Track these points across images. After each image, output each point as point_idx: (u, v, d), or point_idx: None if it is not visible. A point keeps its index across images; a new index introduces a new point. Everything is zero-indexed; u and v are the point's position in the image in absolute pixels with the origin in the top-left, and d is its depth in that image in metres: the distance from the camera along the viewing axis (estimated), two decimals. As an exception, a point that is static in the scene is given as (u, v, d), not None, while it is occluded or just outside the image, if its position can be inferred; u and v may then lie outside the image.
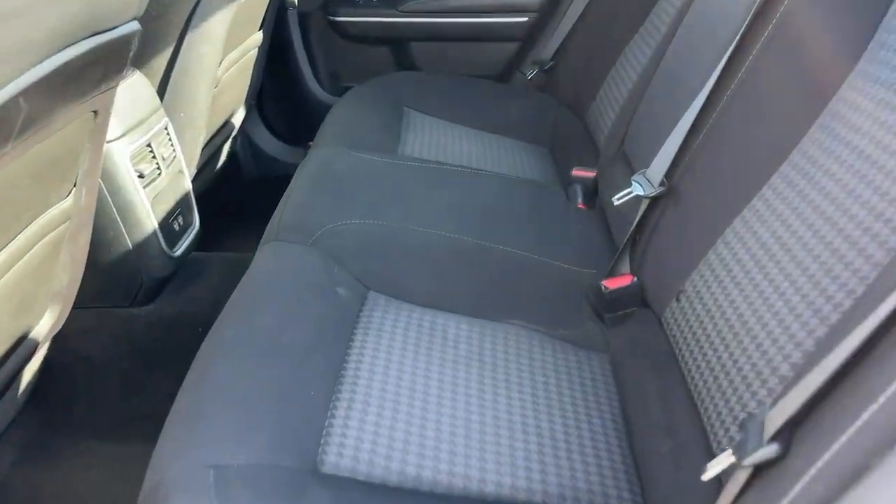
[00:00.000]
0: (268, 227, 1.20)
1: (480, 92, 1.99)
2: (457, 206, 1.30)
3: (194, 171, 1.55)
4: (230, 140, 1.93)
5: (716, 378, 0.88)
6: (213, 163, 1.86)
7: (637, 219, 1.12)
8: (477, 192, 1.37)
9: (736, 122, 1.03)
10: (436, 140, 1.71)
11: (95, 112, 0.99)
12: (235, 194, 2.15)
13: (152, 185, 1.28)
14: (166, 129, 1.34)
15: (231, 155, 2.02)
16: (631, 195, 1.11)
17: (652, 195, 1.08)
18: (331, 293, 1.05)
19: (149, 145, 1.27)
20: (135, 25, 0.93)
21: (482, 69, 2.23)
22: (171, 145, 1.35)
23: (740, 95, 1.03)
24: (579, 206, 1.46)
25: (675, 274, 1.05)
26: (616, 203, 1.13)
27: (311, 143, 2.10)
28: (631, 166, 1.33)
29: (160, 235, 1.28)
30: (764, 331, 0.83)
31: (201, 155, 1.62)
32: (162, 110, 1.34)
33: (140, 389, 1.33)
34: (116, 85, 0.99)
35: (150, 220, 1.25)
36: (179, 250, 1.35)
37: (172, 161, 1.35)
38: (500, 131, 1.87)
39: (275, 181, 2.13)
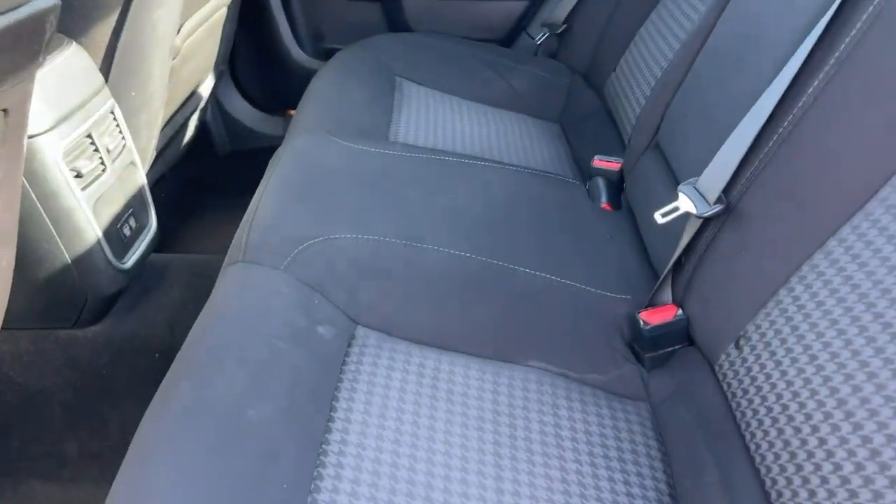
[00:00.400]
0: (233, 242, 0.98)
1: (482, 58, 1.76)
2: (463, 213, 1.09)
3: (152, 157, 1.32)
4: (199, 111, 1.69)
5: (799, 468, 0.69)
6: (179, 139, 1.62)
7: (687, 241, 0.92)
8: (486, 194, 1.15)
9: (822, 127, 0.81)
10: (433, 118, 1.49)
11: (5, 111, 0.77)
12: (207, 172, 1.92)
13: (95, 183, 1.06)
14: (112, 113, 1.11)
15: (201, 127, 1.78)
16: (679, 212, 0.90)
17: (708, 214, 0.87)
18: (310, 336, 0.85)
19: (89, 136, 1.04)
20: (49, 0, 0.71)
21: (484, 31, 1.99)
22: (120, 133, 1.12)
23: (829, 93, 0.81)
24: (603, 205, 1.25)
25: (734, 313, 0.86)
26: (661, 221, 0.92)
27: (291, 110, 1.88)
28: (669, 166, 1.12)
29: (105, 246, 1.06)
30: (864, 409, 0.65)
31: (161, 134, 1.39)
32: (107, 91, 1.11)
33: (87, 424, 1.13)
34: (31, 76, 0.77)
35: (91, 229, 1.03)
36: (130, 261, 1.13)
37: (121, 152, 1.12)
38: (504, 105, 1.66)
39: (252, 155, 1.91)
